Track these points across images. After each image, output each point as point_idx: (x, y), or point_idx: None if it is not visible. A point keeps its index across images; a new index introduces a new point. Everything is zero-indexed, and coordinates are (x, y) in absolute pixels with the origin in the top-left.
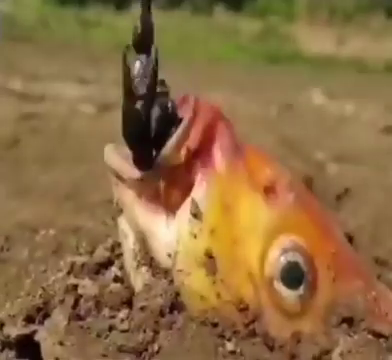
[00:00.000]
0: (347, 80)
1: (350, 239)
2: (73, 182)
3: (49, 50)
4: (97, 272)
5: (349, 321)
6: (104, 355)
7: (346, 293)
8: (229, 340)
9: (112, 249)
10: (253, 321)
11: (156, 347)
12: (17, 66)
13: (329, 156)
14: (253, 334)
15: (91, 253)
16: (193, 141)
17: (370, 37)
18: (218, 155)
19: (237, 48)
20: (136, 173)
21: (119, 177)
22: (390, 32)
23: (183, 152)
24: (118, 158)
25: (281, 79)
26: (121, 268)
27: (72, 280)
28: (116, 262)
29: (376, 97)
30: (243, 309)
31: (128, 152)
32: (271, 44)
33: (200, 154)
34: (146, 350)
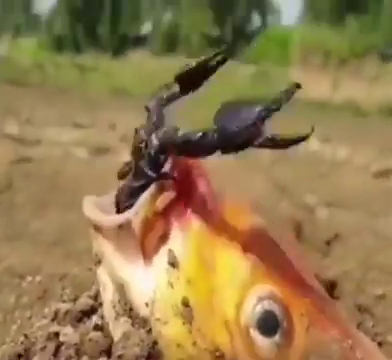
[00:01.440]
0: (341, 124)
1: (334, 286)
2: (63, 228)
3: (45, 94)
4: (79, 320)
5: None
6: None
7: (321, 341)
8: None
9: (95, 297)
10: None
11: None
12: (13, 110)
13: (320, 200)
14: None
15: (75, 300)
16: (171, 191)
17: (364, 81)
18: (195, 204)
19: (232, 92)
20: (114, 224)
21: (97, 228)
22: (384, 77)
23: (161, 202)
24: (96, 210)
25: (275, 123)
26: (102, 317)
27: (54, 327)
28: (99, 310)
29: (370, 141)
30: (219, 357)
31: (107, 202)
32: (265, 89)
33: (178, 204)
34: None
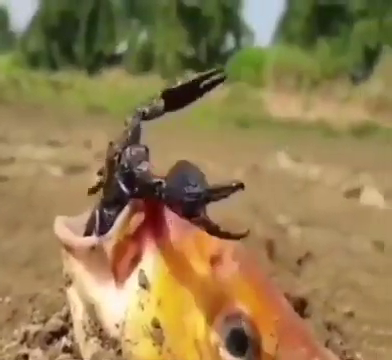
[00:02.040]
0: (313, 144)
1: (303, 304)
2: (35, 248)
3: (20, 112)
4: (49, 341)
5: None
6: None
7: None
8: None
9: (66, 318)
10: None
11: None
12: None
13: (292, 220)
14: None
15: (45, 322)
16: (142, 213)
17: (335, 102)
18: (166, 226)
19: (206, 113)
20: (85, 244)
21: (68, 248)
22: (354, 98)
23: (133, 224)
24: (68, 230)
25: (248, 143)
26: (73, 338)
27: (23, 350)
28: (69, 331)
29: (341, 160)
30: None
31: (79, 223)
32: (239, 109)
33: (149, 225)
34: None
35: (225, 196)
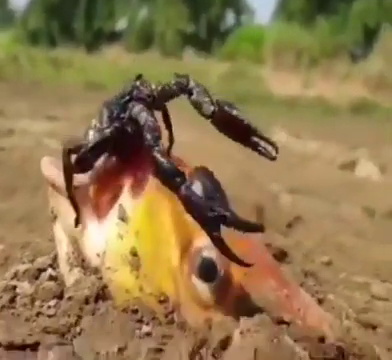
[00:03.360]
0: (311, 121)
1: (283, 254)
2: (29, 209)
3: (19, 88)
4: (37, 277)
5: (258, 310)
6: (30, 334)
7: (257, 288)
8: (147, 324)
9: (54, 258)
10: (172, 312)
11: (78, 329)
12: None
13: (284, 188)
14: (171, 322)
15: (33, 261)
16: (124, 151)
17: (334, 80)
18: (146, 164)
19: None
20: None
21: (54, 186)
22: (354, 76)
23: (114, 164)
24: (54, 169)
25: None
26: (58, 270)
27: (13, 282)
28: (55, 265)
29: (339, 137)
30: (163, 301)
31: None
32: (239, 86)
33: (129, 165)
34: (69, 331)
35: (240, 229)
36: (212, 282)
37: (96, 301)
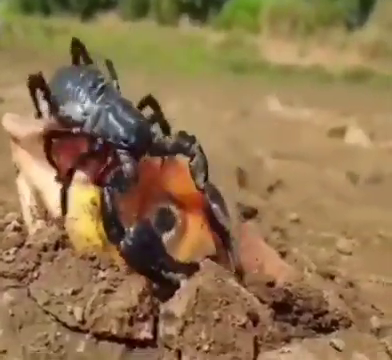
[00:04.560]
0: (306, 89)
1: (254, 211)
2: (7, 170)
3: (13, 57)
4: (2, 229)
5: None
6: None
7: (212, 238)
8: (104, 270)
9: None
10: None
11: (36, 274)
12: None
13: (269, 153)
14: (130, 270)
15: (4, 217)
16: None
17: (331, 48)
18: None
19: (201, 58)
20: (32, 134)
21: (16, 140)
22: (349, 44)
23: None
24: (15, 123)
25: (242, 88)
26: (22, 222)
27: None
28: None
29: (331, 104)
30: None
31: (25, 120)
32: (235, 54)
33: None
34: (26, 276)
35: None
36: (170, 231)
37: (56, 249)
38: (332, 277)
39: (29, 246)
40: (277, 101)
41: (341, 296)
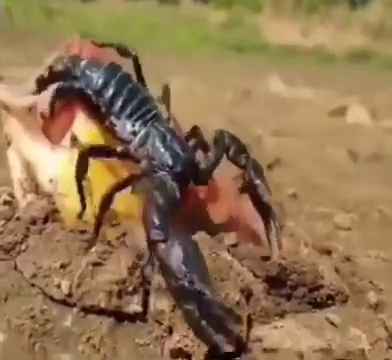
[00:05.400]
0: (308, 69)
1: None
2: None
3: (12, 38)
4: None
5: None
6: None
7: (209, 211)
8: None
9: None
10: (124, 235)
11: (24, 247)
12: None
13: (269, 131)
14: (123, 245)
15: None
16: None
17: (333, 28)
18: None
19: (203, 38)
20: (24, 104)
21: (8, 109)
22: (353, 23)
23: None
24: (6, 92)
25: (244, 68)
26: (12, 196)
27: None
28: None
29: (334, 84)
30: (115, 225)
31: (18, 90)
32: (237, 34)
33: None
34: (13, 249)
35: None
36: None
37: (45, 222)
38: (329, 252)
39: (18, 219)
40: (279, 81)
41: (337, 270)
